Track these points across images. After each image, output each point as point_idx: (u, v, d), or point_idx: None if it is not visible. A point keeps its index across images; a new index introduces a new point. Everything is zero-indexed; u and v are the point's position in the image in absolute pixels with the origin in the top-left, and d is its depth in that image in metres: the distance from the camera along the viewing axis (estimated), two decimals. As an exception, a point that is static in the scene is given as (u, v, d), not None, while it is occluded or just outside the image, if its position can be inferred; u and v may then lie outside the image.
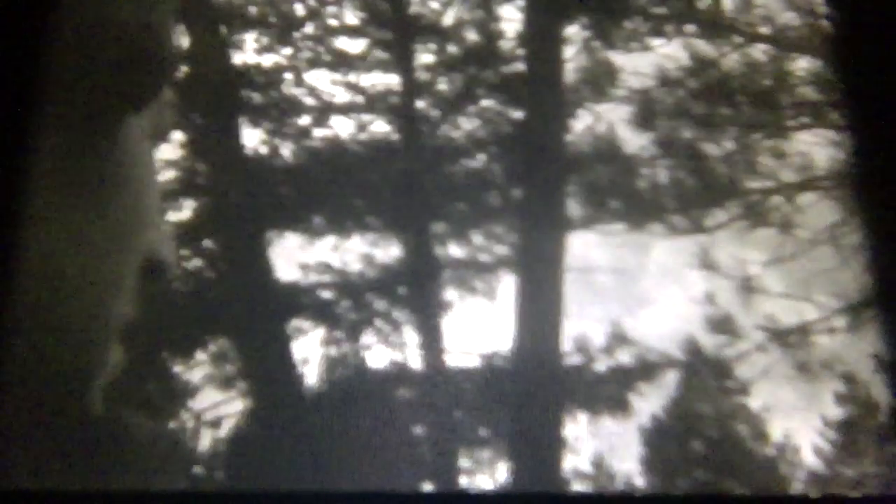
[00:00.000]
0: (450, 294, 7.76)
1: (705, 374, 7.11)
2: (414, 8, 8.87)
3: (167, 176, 8.32)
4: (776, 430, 6.99)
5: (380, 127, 8.60)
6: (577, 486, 6.84)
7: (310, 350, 7.48)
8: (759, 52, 8.20)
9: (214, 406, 7.22)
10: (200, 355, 7.41)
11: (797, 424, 6.90)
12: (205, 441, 6.93)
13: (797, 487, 6.82)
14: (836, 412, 6.91)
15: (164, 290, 7.62)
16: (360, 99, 8.72)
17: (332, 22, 8.80)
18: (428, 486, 6.94)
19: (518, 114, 8.54)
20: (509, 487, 6.91)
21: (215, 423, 7.01)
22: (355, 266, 7.89)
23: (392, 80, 8.78)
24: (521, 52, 8.71)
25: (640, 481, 6.86)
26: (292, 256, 7.91)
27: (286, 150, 8.52)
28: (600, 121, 8.29)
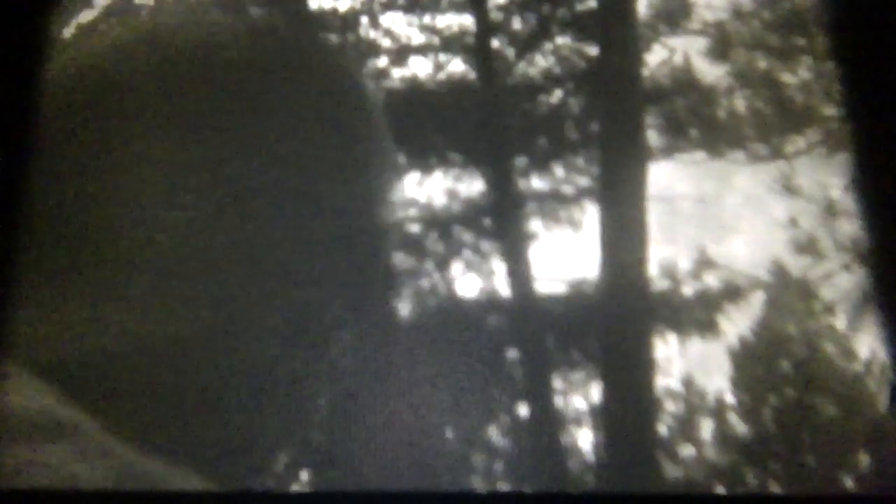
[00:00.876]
0: (534, 224, 7.94)
1: (791, 294, 7.25)
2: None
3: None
4: (862, 348, 7.13)
5: (456, 66, 8.77)
6: (669, 405, 7.03)
7: (400, 281, 7.70)
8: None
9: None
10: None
11: (883, 342, 7.02)
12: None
13: (883, 403, 6.97)
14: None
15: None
16: (435, 40, 8.88)
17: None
18: (523, 409, 7.16)
19: (592, 50, 8.67)
20: (597, 404, 7.12)
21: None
22: (440, 200, 8.09)
23: (466, 21, 8.93)
24: (593, -11, 8.83)
25: (730, 398, 7.03)
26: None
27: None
28: (676, 54, 8.42)
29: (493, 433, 7.12)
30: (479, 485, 6.83)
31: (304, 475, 6.75)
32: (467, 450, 6.96)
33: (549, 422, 7.12)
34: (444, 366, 7.18)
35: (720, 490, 6.89)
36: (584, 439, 7.10)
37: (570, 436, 7.17)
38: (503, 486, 7.23)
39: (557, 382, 7.25)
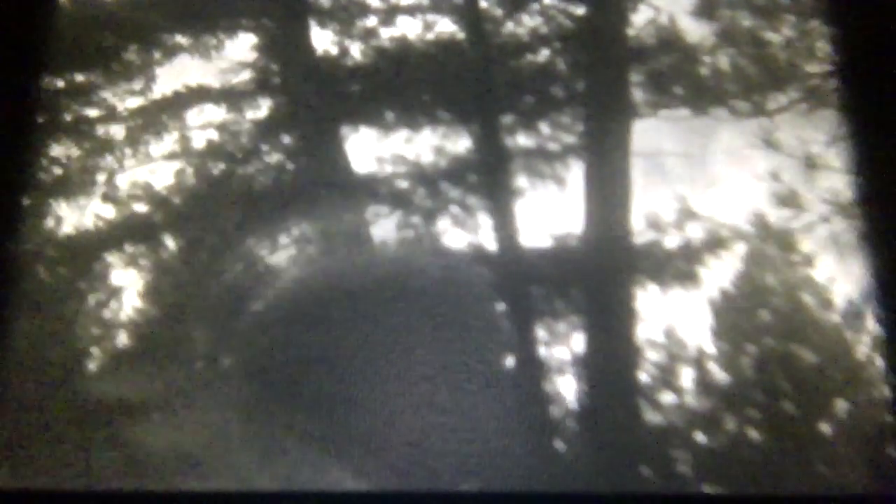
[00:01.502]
0: (520, 181, 8.06)
1: (771, 246, 7.39)
2: None
3: (243, 77, 8.66)
4: (840, 298, 7.26)
5: (445, 26, 8.87)
6: (650, 354, 7.16)
7: (387, 234, 7.83)
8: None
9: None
10: (284, 240, 7.78)
11: (861, 291, 7.16)
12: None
13: (862, 351, 7.10)
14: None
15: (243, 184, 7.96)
16: (424, 0, 8.99)
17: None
18: (508, 359, 7.28)
19: (579, 10, 8.78)
20: (581, 353, 7.26)
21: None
22: (428, 157, 8.20)
23: (455, -18, 9.02)
24: (580, -51, 8.92)
25: (710, 348, 7.17)
26: (367, 149, 8.23)
27: (355, 51, 8.82)
28: (661, 13, 8.51)
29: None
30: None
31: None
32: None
33: (532, 371, 7.25)
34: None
35: (700, 438, 7.03)
36: (567, 388, 7.24)
37: (552, 385, 7.30)
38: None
39: (541, 333, 7.39)
